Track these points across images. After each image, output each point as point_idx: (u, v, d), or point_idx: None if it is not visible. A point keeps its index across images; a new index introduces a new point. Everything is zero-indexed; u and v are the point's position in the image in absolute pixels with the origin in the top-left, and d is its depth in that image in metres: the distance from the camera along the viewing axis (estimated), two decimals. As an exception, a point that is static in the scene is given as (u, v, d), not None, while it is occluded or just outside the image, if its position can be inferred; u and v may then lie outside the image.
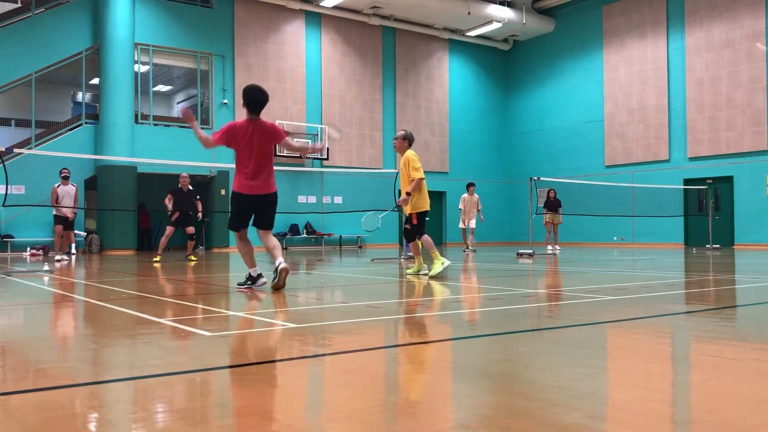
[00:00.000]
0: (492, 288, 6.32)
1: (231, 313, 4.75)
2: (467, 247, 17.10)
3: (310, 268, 10.63)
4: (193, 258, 13.01)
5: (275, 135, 6.15)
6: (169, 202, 12.78)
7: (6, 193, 10.62)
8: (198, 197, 13.38)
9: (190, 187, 13.19)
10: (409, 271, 8.28)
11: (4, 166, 10.13)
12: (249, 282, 6.19)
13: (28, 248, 16.97)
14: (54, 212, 13.80)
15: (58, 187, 13.68)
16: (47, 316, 4.85)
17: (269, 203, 6.18)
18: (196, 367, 2.80)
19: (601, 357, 3.07)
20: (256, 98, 6.04)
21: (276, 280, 5.87)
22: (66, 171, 13.69)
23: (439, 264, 7.58)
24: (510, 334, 3.63)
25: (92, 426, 1.97)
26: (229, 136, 6.01)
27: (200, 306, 5.18)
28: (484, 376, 2.59)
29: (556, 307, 4.96)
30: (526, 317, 4.45)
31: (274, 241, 6.14)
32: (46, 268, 9.88)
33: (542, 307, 5.03)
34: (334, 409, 2.18)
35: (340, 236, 22.35)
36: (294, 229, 21.89)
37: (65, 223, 13.81)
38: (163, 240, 12.75)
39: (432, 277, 7.45)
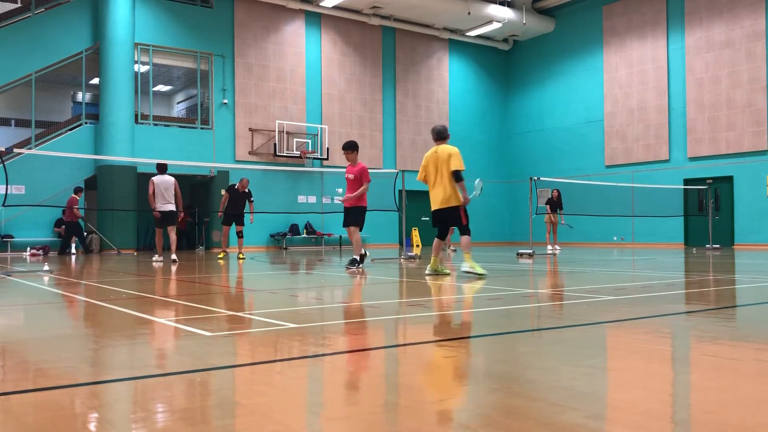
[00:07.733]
0: (492, 288, 6.31)
1: (231, 313, 4.75)
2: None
3: (310, 268, 10.63)
4: (241, 256, 13.79)
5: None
6: (224, 201, 13.73)
7: (6, 193, 10.60)
8: (252, 199, 14.14)
9: (246, 190, 13.96)
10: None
11: (4, 166, 10.10)
12: (358, 263, 9.14)
13: (28, 248, 16.97)
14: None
15: (155, 177, 12.15)
16: (47, 316, 4.85)
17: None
18: (196, 367, 2.80)
19: (601, 357, 3.07)
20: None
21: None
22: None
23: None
24: (510, 334, 3.63)
25: (92, 426, 1.97)
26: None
27: (200, 306, 5.18)
28: (484, 376, 2.59)
29: (556, 307, 4.96)
30: (526, 317, 4.45)
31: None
32: (46, 268, 9.88)
33: (542, 307, 5.03)
34: (334, 409, 2.18)
35: (340, 236, 22.32)
36: (294, 229, 21.88)
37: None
38: (224, 239, 14.15)
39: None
